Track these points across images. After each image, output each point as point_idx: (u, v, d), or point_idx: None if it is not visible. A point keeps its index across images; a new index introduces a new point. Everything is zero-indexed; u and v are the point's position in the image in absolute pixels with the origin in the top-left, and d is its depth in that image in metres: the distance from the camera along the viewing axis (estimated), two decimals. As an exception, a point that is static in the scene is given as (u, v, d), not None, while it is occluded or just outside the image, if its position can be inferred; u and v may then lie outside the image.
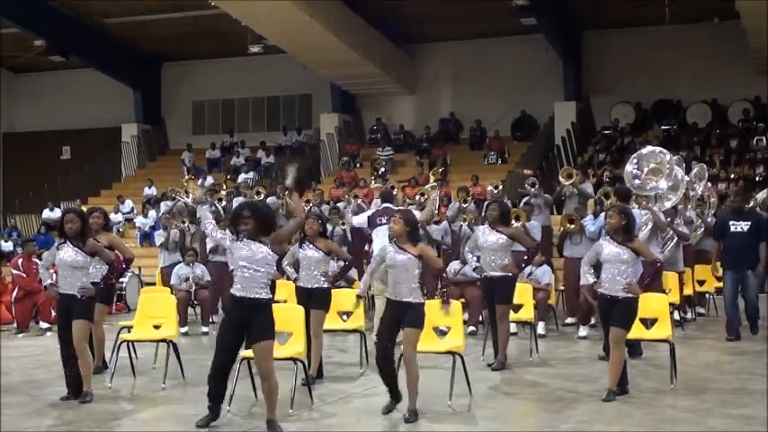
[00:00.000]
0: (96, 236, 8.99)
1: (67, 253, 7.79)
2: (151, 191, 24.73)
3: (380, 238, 11.49)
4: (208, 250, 13.53)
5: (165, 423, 7.42)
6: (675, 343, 8.37)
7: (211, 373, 6.70)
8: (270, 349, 6.54)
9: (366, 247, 16.44)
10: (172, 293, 11.14)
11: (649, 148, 11.36)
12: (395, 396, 7.16)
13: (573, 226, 12.02)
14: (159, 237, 14.38)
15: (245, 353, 7.06)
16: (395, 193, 16.31)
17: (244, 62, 27.15)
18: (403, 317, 7.02)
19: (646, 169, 10.61)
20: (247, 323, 6.53)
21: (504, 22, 23.29)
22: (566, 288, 12.87)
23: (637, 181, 10.58)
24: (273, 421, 6.56)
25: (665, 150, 11.06)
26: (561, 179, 13.94)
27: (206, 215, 7.38)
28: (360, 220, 12.08)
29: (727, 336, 11.13)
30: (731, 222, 11.20)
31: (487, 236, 9.20)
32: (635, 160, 10.71)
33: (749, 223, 11.13)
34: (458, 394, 7.50)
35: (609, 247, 7.67)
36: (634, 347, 9.27)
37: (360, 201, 16.47)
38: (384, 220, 11.67)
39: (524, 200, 14.43)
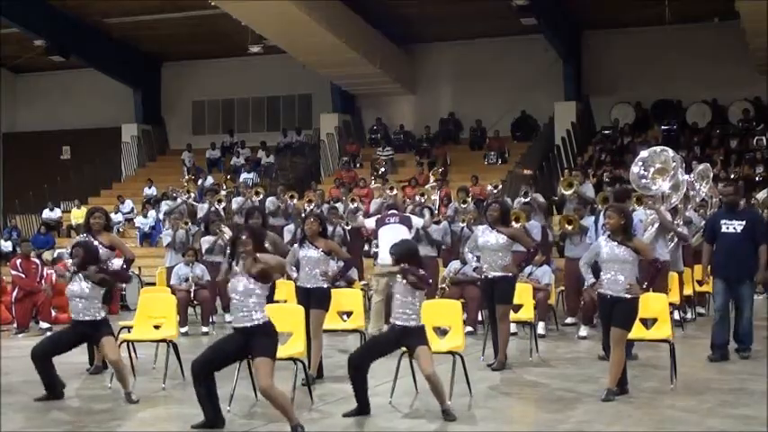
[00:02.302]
0: (97, 236, 9.00)
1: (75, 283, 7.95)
2: (151, 191, 24.73)
3: (386, 237, 11.55)
4: (204, 250, 13.54)
5: (165, 423, 7.41)
6: (675, 343, 8.36)
7: (192, 370, 6.63)
8: (266, 366, 6.40)
9: (366, 247, 16.50)
10: (172, 293, 11.13)
11: (651, 149, 11.31)
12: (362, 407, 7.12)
13: (571, 227, 12.04)
14: (166, 236, 14.36)
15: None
16: (395, 193, 16.35)
17: (244, 62, 27.17)
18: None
19: (652, 169, 10.59)
20: (247, 345, 6.54)
21: (504, 22, 23.30)
22: (566, 288, 12.87)
23: (644, 181, 10.56)
24: (298, 426, 6.43)
25: (666, 148, 11.04)
26: (562, 189, 13.93)
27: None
28: (370, 224, 12.16)
29: (711, 354, 9.60)
30: (723, 222, 9.61)
31: (487, 236, 9.19)
32: (640, 162, 10.69)
33: (743, 223, 9.50)
34: (458, 394, 7.50)
35: (608, 247, 7.66)
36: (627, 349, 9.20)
37: (357, 204, 16.45)
38: (392, 220, 11.76)
39: (521, 201, 14.39)
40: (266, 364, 6.42)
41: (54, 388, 7.83)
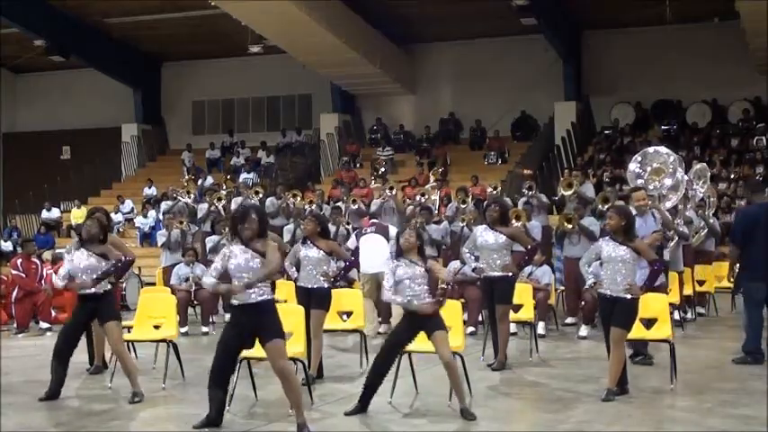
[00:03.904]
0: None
1: (83, 256, 7.88)
2: (151, 191, 24.74)
3: (364, 247, 11.58)
4: (207, 249, 13.58)
5: (165, 423, 7.42)
6: (675, 343, 8.36)
7: (211, 378, 6.64)
8: (281, 349, 6.52)
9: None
10: (172, 293, 11.13)
11: (654, 147, 11.32)
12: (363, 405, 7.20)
13: (570, 225, 12.03)
14: (161, 237, 14.39)
15: (244, 353, 7.07)
16: (394, 193, 16.33)
17: (244, 62, 27.18)
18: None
19: (649, 169, 10.60)
20: (253, 327, 6.52)
21: (504, 22, 23.32)
22: (566, 288, 12.87)
23: (640, 180, 10.58)
24: (303, 425, 6.47)
25: (670, 151, 11.05)
26: (562, 190, 13.94)
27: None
28: (352, 243, 12.18)
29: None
30: None
31: (486, 236, 9.19)
32: (639, 158, 10.70)
33: None
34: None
35: (609, 248, 7.67)
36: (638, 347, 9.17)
37: (359, 205, 16.45)
38: (369, 230, 11.80)
39: (523, 200, 14.42)
40: (278, 345, 6.49)
41: (58, 386, 7.84)
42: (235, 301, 6.54)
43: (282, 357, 6.51)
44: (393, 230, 12.22)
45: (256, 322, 6.50)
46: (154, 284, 14.39)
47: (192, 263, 13.06)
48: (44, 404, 7.70)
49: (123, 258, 8.10)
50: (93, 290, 7.80)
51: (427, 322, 7.07)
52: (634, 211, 8.92)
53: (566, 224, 12.13)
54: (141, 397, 7.71)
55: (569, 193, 13.60)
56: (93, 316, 7.99)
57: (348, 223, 15.10)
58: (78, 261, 7.87)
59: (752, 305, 9.48)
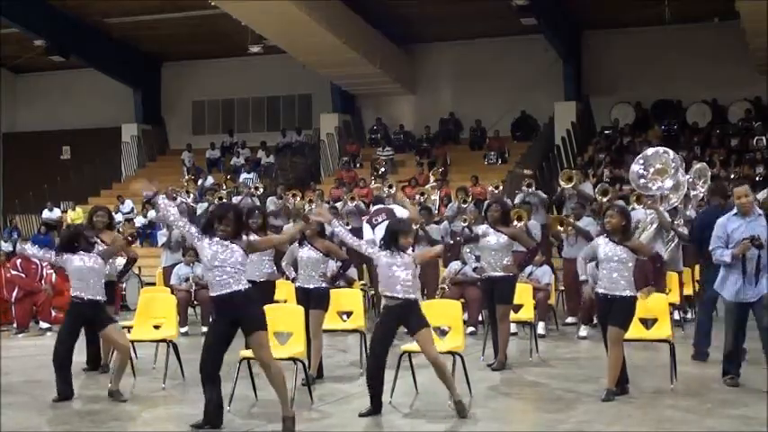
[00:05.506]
0: (100, 234, 9.01)
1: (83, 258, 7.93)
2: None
3: (380, 236, 11.53)
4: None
5: (165, 423, 7.42)
6: (675, 343, 8.37)
7: (201, 374, 6.62)
8: (262, 338, 6.48)
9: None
10: (172, 293, 11.13)
11: (654, 149, 11.32)
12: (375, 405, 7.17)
13: (562, 229, 12.04)
14: (162, 236, 14.39)
15: (243, 352, 7.08)
16: (393, 191, 16.33)
17: (244, 62, 27.17)
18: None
19: (652, 169, 10.60)
20: (234, 318, 6.50)
21: (504, 22, 23.31)
22: (566, 288, 12.87)
23: (642, 180, 10.58)
24: (288, 419, 6.48)
25: (668, 150, 11.05)
26: (561, 182, 13.94)
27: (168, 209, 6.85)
28: (369, 235, 12.14)
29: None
30: None
31: (487, 236, 9.19)
32: (641, 161, 10.70)
33: None
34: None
35: (606, 247, 7.67)
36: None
37: (357, 202, 16.45)
38: (379, 219, 11.73)
39: (520, 198, 14.39)
40: (259, 336, 6.47)
41: (68, 387, 7.84)
42: (213, 293, 6.54)
43: (261, 348, 6.48)
44: (400, 211, 12.21)
45: (236, 313, 6.48)
46: (154, 284, 14.39)
47: (193, 263, 13.05)
48: (44, 404, 7.70)
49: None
50: (89, 297, 7.82)
51: (409, 319, 7.05)
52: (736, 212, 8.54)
53: (558, 227, 12.14)
54: (119, 396, 7.75)
55: (569, 185, 13.55)
56: (87, 322, 7.99)
57: (347, 223, 15.07)
58: (81, 263, 7.90)
59: (707, 306, 9.49)
